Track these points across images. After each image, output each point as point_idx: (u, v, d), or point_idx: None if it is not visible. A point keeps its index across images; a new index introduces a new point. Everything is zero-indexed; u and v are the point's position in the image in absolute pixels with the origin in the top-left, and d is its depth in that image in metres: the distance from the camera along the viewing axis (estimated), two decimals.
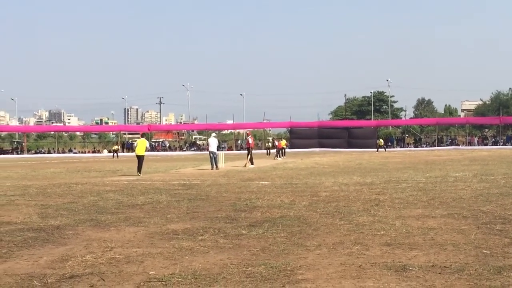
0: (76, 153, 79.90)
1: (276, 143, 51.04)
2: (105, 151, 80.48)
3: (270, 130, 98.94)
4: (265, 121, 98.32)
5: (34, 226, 9.73)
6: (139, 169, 24.83)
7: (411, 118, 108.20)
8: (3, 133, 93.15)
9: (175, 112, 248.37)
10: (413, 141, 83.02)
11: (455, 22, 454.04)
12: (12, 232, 9.07)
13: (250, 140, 33.11)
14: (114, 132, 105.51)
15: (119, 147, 69.86)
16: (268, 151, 55.98)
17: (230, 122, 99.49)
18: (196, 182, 19.07)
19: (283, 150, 47.47)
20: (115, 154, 58.95)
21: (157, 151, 79.93)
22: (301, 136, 77.87)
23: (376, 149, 63.20)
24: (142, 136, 28.31)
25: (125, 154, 70.29)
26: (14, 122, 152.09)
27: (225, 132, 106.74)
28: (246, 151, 33.43)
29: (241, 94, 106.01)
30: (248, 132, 37.47)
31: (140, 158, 25.20)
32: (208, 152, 29.64)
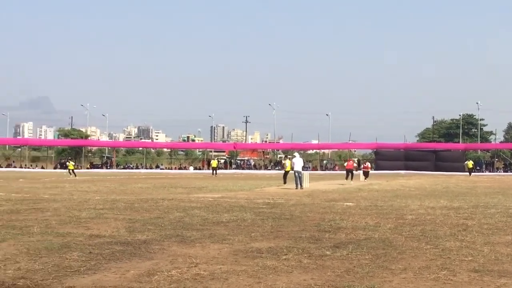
0: (163, 169, 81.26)
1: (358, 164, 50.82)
2: (191, 167, 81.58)
3: (355, 151, 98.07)
4: (350, 142, 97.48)
5: (122, 239, 9.96)
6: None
7: (501, 142, 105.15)
8: (94, 148, 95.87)
9: (260, 131, 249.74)
10: (503, 165, 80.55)
11: None
12: (101, 245, 9.30)
13: (347, 163, 38.72)
14: (200, 150, 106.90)
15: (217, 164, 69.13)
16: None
17: (315, 142, 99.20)
18: (281, 201, 19.09)
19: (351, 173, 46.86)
20: (214, 172, 57.52)
21: (242, 169, 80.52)
22: (386, 158, 76.76)
23: (468, 173, 61.00)
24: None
25: (208, 171, 70.95)
26: (105, 138, 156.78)
27: (310, 152, 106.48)
28: (344, 172, 37.90)
29: (327, 114, 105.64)
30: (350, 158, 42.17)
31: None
32: (293, 171, 29.63)
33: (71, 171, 46.10)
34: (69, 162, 49.80)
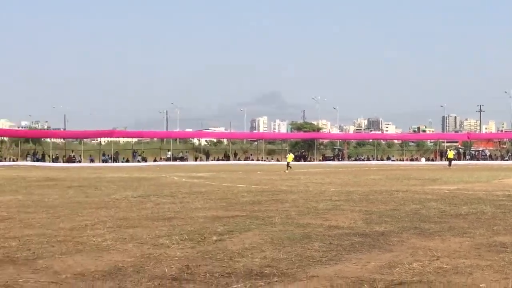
0: (394, 160, 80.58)
1: None
2: (423, 159, 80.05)
3: None
4: None
5: (359, 231, 10.07)
6: None
7: None
8: (326, 141, 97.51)
9: (495, 120, 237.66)
10: None
11: None
12: (340, 236, 9.48)
13: None
14: (431, 141, 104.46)
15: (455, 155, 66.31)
16: None
17: None
18: None
19: None
20: (450, 163, 55.83)
21: (477, 160, 77.45)
22: None
23: None
24: None
25: (441, 162, 69.03)
26: (335, 130, 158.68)
27: None
28: None
29: None
30: None
31: None
32: None
33: (289, 163, 45.23)
34: (289, 154, 50.07)
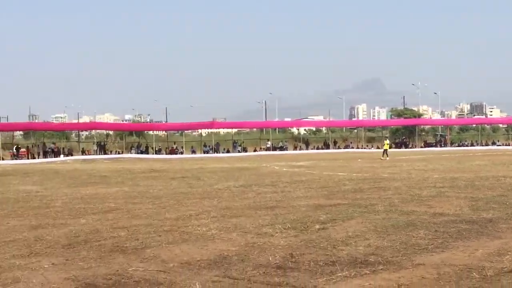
0: (499, 145, 78.05)
1: None
2: None
3: None
4: None
5: (466, 218, 9.82)
6: None
7: None
8: (427, 127, 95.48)
9: None
10: None
11: None
12: (446, 223, 9.28)
13: None
14: None
15: None
16: None
17: None
18: None
19: None
20: None
21: None
22: None
23: None
24: None
25: None
26: (436, 116, 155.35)
27: None
28: None
29: None
30: None
31: None
32: None
33: (385, 151, 43.28)
34: (386, 140, 48.48)
